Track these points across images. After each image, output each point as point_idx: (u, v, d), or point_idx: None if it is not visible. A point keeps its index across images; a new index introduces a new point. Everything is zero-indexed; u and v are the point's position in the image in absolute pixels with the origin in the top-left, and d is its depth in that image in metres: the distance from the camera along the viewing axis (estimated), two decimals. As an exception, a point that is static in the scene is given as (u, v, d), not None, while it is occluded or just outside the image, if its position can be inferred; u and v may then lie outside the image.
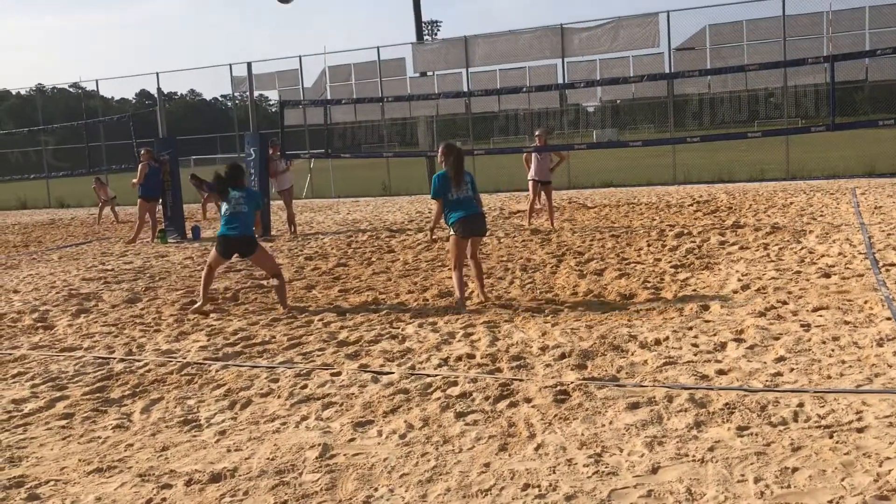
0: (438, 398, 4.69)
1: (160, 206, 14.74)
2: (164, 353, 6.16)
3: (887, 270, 7.58)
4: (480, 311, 6.99)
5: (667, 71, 20.94)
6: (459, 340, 6.01)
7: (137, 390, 5.26)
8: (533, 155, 13.18)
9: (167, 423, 4.60)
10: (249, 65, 15.94)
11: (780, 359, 5.04)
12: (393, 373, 5.25)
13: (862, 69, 19.78)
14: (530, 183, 13.19)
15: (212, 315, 7.47)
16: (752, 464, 3.54)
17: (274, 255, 9.47)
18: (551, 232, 12.24)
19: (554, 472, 3.60)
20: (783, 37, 19.93)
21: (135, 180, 14.12)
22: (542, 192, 13.16)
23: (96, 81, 30.62)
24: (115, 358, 6.09)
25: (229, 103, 64.14)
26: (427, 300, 7.60)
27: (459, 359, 5.50)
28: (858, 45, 18.87)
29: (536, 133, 13.38)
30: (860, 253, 8.60)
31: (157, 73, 25.99)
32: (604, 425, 4.11)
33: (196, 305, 7.80)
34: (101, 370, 5.78)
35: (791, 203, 14.32)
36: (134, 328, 7.12)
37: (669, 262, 8.92)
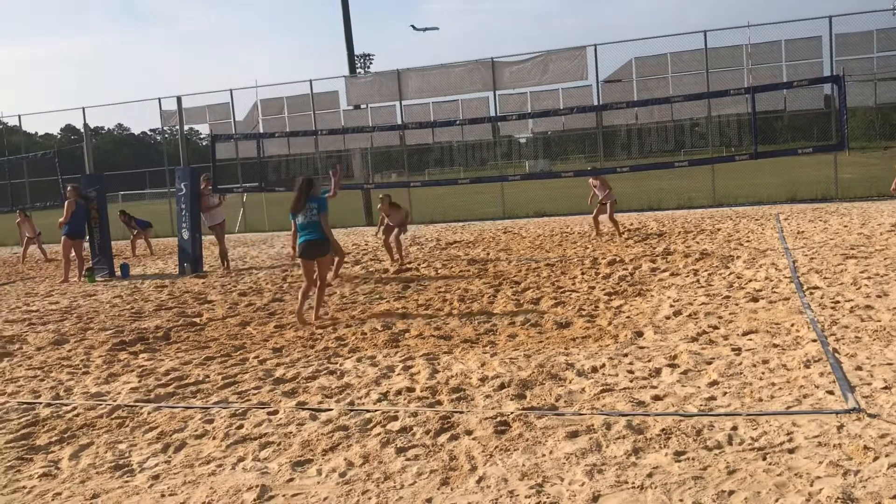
0: (378, 434, 4.64)
1: (87, 244, 14.34)
2: (93, 396, 5.96)
3: (811, 293, 7.84)
4: (419, 343, 6.97)
5: (595, 103, 21.45)
6: (399, 374, 5.97)
7: (65, 436, 5.06)
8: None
9: (97, 469, 4.44)
10: (179, 98, 15.72)
11: (714, 383, 5.15)
12: (332, 409, 5.17)
13: (781, 99, 20.64)
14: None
15: (142, 356, 7.27)
16: (689, 488, 3.59)
17: (206, 293, 9.28)
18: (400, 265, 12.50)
19: (496, 505, 3.59)
20: (706, 69, 20.66)
21: (62, 219, 13.65)
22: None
23: (19, 117, 29.79)
24: (41, 403, 5.86)
25: (158, 137, 62.96)
26: (365, 333, 7.54)
27: (399, 393, 5.46)
28: (777, 76, 19.68)
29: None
30: (785, 277, 8.89)
31: (84, 108, 25.44)
32: (544, 455, 4.12)
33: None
34: (25, 416, 5.55)
35: (718, 229, 14.74)
36: (61, 371, 6.87)
37: (603, 289, 9.07)
